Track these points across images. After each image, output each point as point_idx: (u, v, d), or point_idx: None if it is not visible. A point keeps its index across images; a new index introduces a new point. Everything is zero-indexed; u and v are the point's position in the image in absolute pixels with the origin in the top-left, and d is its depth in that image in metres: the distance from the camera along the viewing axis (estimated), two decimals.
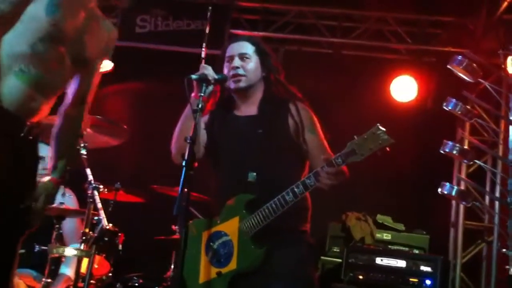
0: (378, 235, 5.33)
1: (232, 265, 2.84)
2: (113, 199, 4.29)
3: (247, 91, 3.06)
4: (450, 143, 3.89)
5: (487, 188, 5.68)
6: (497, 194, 5.24)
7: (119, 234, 3.84)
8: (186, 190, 2.49)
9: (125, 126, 4.11)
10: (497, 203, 5.38)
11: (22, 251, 3.69)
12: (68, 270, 4.14)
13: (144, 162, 6.00)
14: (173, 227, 4.59)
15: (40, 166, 2.47)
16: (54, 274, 4.02)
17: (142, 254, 5.22)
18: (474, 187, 5.27)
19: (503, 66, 4.30)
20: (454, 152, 3.86)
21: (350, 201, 5.57)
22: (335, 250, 5.37)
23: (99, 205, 3.75)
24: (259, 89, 3.08)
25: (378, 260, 5.01)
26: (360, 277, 4.99)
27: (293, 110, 3.02)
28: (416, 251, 5.19)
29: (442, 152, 3.91)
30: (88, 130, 3.99)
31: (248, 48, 3.07)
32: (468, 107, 3.92)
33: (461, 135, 5.69)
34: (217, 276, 2.87)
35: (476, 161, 4.16)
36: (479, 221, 5.92)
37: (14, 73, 2.22)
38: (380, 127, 2.63)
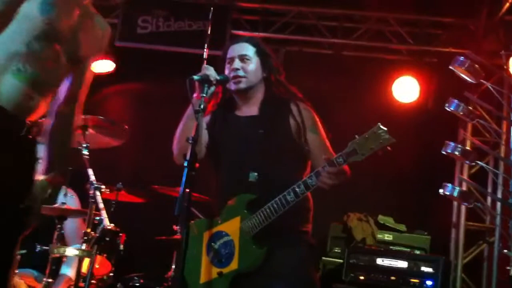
0: (379, 236, 5.33)
1: (234, 265, 2.84)
2: (114, 199, 4.30)
3: (248, 92, 3.06)
4: (452, 144, 3.90)
5: (489, 189, 5.68)
6: (499, 195, 5.23)
7: (121, 234, 3.85)
8: (187, 190, 2.50)
9: (127, 127, 4.11)
10: (498, 204, 5.37)
11: (24, 251, 3.73)
12: (69, 271, 4.15)
13: (145, 162, 6.00)
14: (174, 227, 4.60)
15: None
16: (55, 274, 4.03)
17: (143, 254, 5.22)
18: (475, 188, 5.27)
19: (505, 67, 4.31)
20: (456, 153, 3.86)
21: (351, 202, 5.57)
22: (336, 250, 5.37)
23: (101, 205, 3.76)
24: (260, 90, 3.09)
25: (379, 261, 5.01)
26: (361, 277, 4.99)
27: (294, 110, 3.02)
28: (417, 252, 5.18)
29: (443, 153, 3.91)
30: (90, 130, 4.01)
31: (248, 49, 3.08)
32: (470, 108, 3.93)
33: (463, 136, 5.68)
34: (218, 276, 2.87)
35: (478, 162, 4.16)
36: (480, 222, 5.91)
37: (11, 72, 2.22)
38: (381, 127, 2.63)
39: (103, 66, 6.35)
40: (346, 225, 5.40)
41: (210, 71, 2.91)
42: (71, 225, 4.20)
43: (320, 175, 2.71)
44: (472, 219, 5.88)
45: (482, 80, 3.95)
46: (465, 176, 5.73)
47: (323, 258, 5.30)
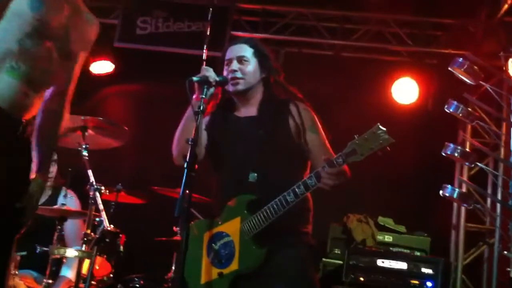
0: (379, 237, 5.33)
1: (234, 265, 2.84)
2: (114, 201, 4.30)
3: (246, 93, 3.06)
4: (452, 145, 3.90)
5: (489, 191, 5.68)
6: (499, 197, 5.23)
7: (121, 235, 3.85)
8: (187, 191, 2.50)
9: (126, 128, 4.11)
10: (498, 205, 5.38)
11: (24, 252, 3.73)
12: (69, 272, 4.14)
13: (145, 163, 6.00)
14: (174, 228, 4.60)
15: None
16: (55, 275, 4.03)
17: (143, 255, 5.22)
18: (475, 190, 5.27)
19: (504, 68, 4.31)
20: (456, 154, 3.87)
21: (351, 203, 5.57)
22: (336, 251, 5.37)
23: (101, 207, 3.76)
24: (259, 91, 3.09)
25: (379, 262, 5.02)
26: (361, 279, 4.99)
27: (293, 110, 3.02)
28: (417, 253, 5.19)
29: (443, 154, 3.92)
30: (90, 131, 4.01)
31: (246, 50, 3.08)
32: (470, 109, 3.93)
33: (463, 137, 5.69)
34: (218, 277, 2.87)
35: (477, 163, 4.16)
36: (480, 223, 5.92)
37: (5, 70, 2.22)
38: (381, 127, 2.62)
39: (103, 67, 6.35)
40: (346, 226, 5.40)
41: (209, 72, 2.91)
42: (71, 226, 4.20)
43: (320, 176, 2.70)
44: (472, 221, 5.88)
45: (481, 82, 3.95)
46: (465, 178, 5.73)
47: (323, 259, 5.30)
